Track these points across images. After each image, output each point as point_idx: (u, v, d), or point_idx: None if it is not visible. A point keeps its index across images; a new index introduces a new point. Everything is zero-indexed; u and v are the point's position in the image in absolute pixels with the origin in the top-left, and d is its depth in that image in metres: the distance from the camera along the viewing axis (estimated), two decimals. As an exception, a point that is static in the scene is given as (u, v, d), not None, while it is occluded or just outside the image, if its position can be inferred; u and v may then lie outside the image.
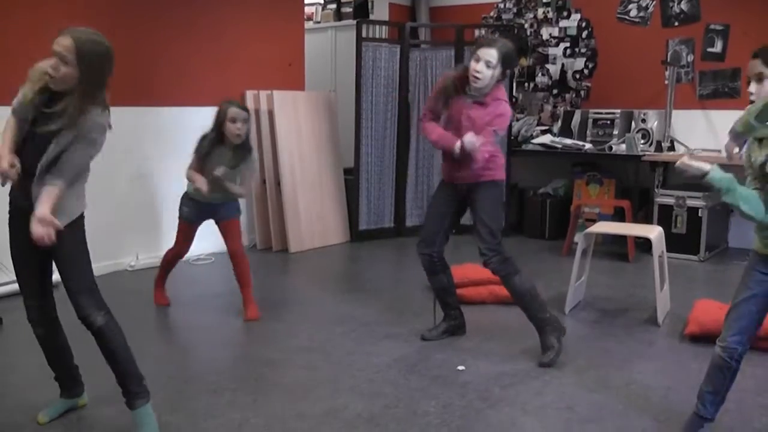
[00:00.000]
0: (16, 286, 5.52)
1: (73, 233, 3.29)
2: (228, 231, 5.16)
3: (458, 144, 4.26)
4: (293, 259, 7.21)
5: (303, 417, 3.62)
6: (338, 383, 4.06)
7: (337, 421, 3.59)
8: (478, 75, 4.27)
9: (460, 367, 4.30)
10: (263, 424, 3.54)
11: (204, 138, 5.02)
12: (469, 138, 4.19)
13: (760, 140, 3.01)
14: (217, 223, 5.18)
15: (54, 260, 3.34)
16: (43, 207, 3.06)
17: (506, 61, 4.31)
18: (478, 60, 4.27)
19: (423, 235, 4.69)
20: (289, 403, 3.79)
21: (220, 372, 4.26)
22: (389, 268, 7.18)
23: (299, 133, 7.62)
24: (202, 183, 4.86)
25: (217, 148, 4.97)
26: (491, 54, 4.26)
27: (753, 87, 3.00)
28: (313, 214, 7.66)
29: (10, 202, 3.36)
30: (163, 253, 6.80)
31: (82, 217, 3.35)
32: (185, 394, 3.88)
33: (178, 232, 5.27)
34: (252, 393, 3.92)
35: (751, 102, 3.04)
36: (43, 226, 3.04)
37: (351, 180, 8.02)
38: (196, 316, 5.31)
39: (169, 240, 6.76)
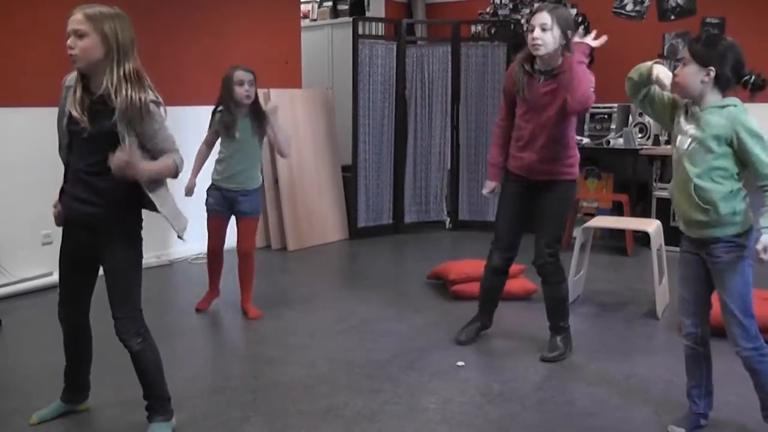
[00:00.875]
0: (15, 288, 5.59)
1: (126, 245, 3.28)
2: (244, 228, 5.17)
3: (485, 189, 4.45)
4: (292, 257, 7.21)
5: (303, 414, 3.63)
6: (338, 380, 4.06)
7: (337, 418, 3.59)
8: (537, 42, 4.04)
9: (460, 363, 4.30)
10: (263, 423, 3.54)
11: (216, 112, 5.05)
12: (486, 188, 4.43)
13: (687, 108, 3.20)
14: (236, 216, 5.16)
15: (104, 273, 3.29)
16: (148, 164, 3.08)
17: (563, 22, 4.07)
18: (532, 29, 4.06)
19: (504, 237, 4.47)
20: (289, 400, 3.80)
21: (220, 370, 4.27)
22: (388, 265, 7.18)
23: (297, 131, 7.62)
24: (191, 187, 4.96)
25: (237, 118, 4.98)
26: (543, 17, 4.04)
27: (678, 70, 3.15)
28: (312, 212, 7.66)
29: (63, 209, 3.30)
30: (166, 251, 6.82)
31: (138, 225, 3.36)
32: (185, 393, 3.88)
33: (208, 226, 5.23)
34: (252, 391, 3.92)
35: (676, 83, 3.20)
36: (126, 164, 2.98)
37: (349, 177, 8.01)
38: (196, 315, 5.31)
39: (172, 239, 6.78)
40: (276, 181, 7.43)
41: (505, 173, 4.46)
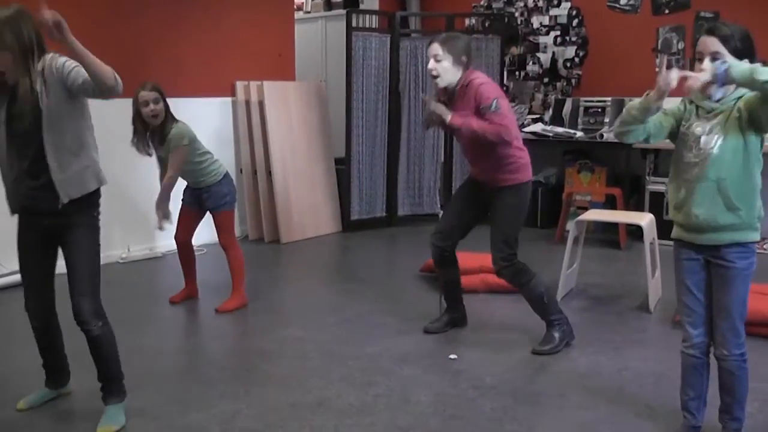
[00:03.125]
0: (8, 280, 5.56)
1: (84, 229, 3.33)
2: (218, 224, 5.18)
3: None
4: (285, 250, 7.20)
5: (296, 407, 3.62)
6: (331, 373, 4.06)
7: (329, 410, 3.59)
8: (433, 73, 4.27)
9: (453, 356, 4.30)
10: (256, 415, 3.54)
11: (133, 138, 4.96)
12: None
13: (698, 107, 3.08)
14: (210, 213, 5.19)
15: (64, 255, 3.35)
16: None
17: (452, 48, 4.24)
18: (428, 62, 4.30)
19: (440, 227, 4.61)
20: (281, 393, 3.79)
21: (213, 363, 4.26)
22: (381, 258, 7.18)
23: (290, 124, 7.60)
24: (162, 219, 4.96)
25: (152, 140, 4.94)
26: (434, 48, 4.26)
27: (707, 65, 2.95)
28: (305, 205, 7.65)
29: (13, 204, 3.38)
30: (155, 245, 6.81)
31: (96, 212, 3.40)
32: (177, 386, 3.88)
33: (178, 217, 5.25)
34: (244, 384, 3.92)
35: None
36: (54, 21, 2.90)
37: (342, 170, 8.00)
38: (188, 307, 5.30)
39: (164, 232, 6.77)
40: (269, 174, 7.42)
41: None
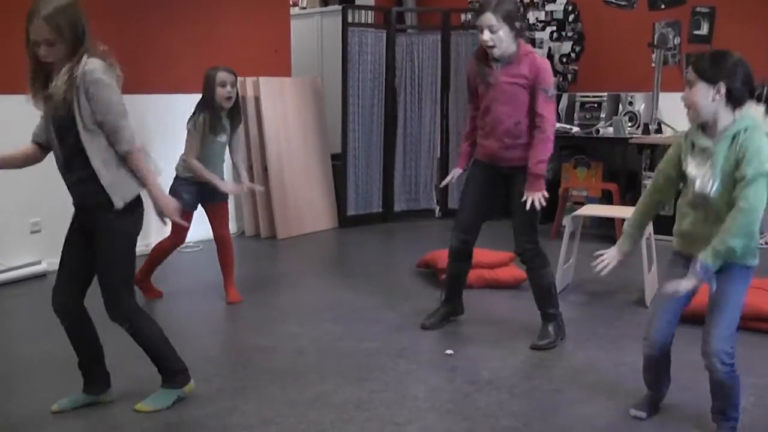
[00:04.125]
0: (4, 276, 5.56)
1: (112, 237, 3.30)
2: (215, 215, 5.17)
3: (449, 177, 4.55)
4: (281, 246, 7.20)
5: (293, 403, 3.62)
6: (327, 369, 4.06)
7: (326, 406, 3.59)
8: (489, 43, 4.10)
9: (449, 351, 4.30)
10: (252, 411, 3.54)
11: (195, 116, 4.96)
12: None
13: (693, 144, 3.10)
14: (206, 205, 5.17)
15: (98, 259, 3.33)
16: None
17: (507, 17, 4.08)
18: (481, 31, 4.11)
19: (462, 220, 4.52)
20: (278, 389, 3.79)
21: (209, 359, 4.26)
22: (378, 254, 7.18)
23: (286, 120, 7.60)
24: (234, 187, 5.16)
25: (219, 120, 4.98)
26: (487, 18, 4.07)
27: (685, 93, 3.05)
28: (301, 200, 7.65)
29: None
30: (150, 241, 6.79)
31: (136, 213, 3.36)
32: (174, 382, 3.88)
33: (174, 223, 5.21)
34: (241, 380, 3.92)
35: (686, 108, 3.09)
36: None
37: (338, 166, 7.99)
38: (185, 304, 5.30)
39: (154, 229, 6.74)
40: (265, 170, 7.41)
41: (472, 160, 4.53)
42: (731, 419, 3.24)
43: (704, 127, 3.07)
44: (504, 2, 4.12)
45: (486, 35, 4.09)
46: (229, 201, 5.30)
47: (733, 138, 2.97)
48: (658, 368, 3.42)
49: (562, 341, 4.45)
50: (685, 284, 3.00)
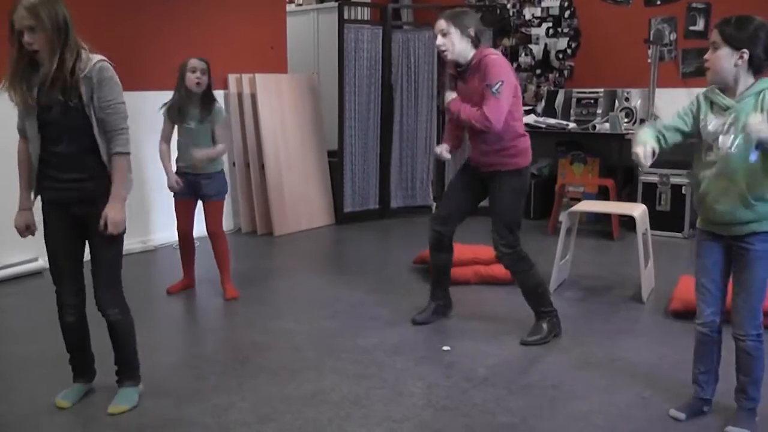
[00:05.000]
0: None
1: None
2: (210, 211, 5.21)
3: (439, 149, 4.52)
4: (278, 242, 7.19)
5: (289, 399, 3.63)
6: (324, 365, 4.06)
7: (323, 403, 3.59)
8: (440, 48, 4.25)
9: (446, 348, 4.31)
10: (249, 408, 3.54)
11: (169, 102, 5.14)
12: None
13: (712, 102, 3.17)
14: (202, 200, 5.21)
15: (90, 247, 3.41)
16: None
17: (459, 22, 4.22)
18: (435, 36, 4.27)
19: (440, 212, 4.62)
20: (275, 385, 3.79)
21: (206, 356, 4.26)
22: (374, 250, 7.17)
23: (282, 116, 7.59)
24: (171, 180, 5.08)
25: (187, 106, 5.06)
26: (440, 24, 4.23)
27: (708, 54, 3.11)
28: (298, 197, 7.64)
29: (42, 197, 3.44)
30: (149, 237, 6.80)
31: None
32: (170, 379, 3.88)
33: (175, 210, 5.31)
34: (238, 377, 3.92)
35: (706, 68, 3.14)
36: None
37: (335, 162, 7.98)
38: (182, 300, 5.30)
39: (153, 224, 6.75)
40: (262, 166, 7.41)
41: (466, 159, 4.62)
42: (752, 399, 3.28)
43: (722, 89, 3.13)
44: (458, 13, 4.30)
45: (439, 40, 4.24)
46: (225, 199, 5.30)
47: (758, 96, 3.03)
48: (711, 356, 3.38)
49: (557, 338, 4.46)
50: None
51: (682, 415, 3.41)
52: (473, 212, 4.59)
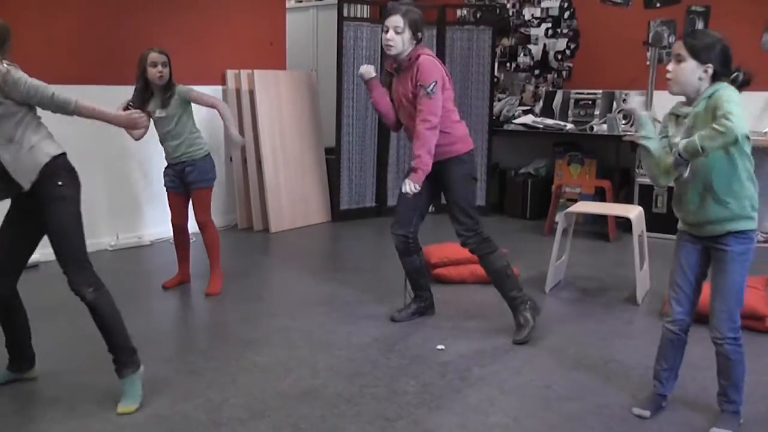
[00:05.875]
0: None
1: (59, 203, 3.35)
2: (196, 200, 5.23)
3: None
4: (274, 239, 7.19)
5: (283, 397, 3.62)
6: (318, 363, 4.06)
7: (316, 400, 3.59)
8: (389, 43, 4.32)
9: (440, 347, 4.31)
10: (243, 404, 3.54)
11: (132, 98, 5.14)
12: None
13: (677, 116, 3.24)
14: (189, 190, 5.22)
15: (47, 233, 3.40)
16: None
17: (413, 25, 4.33)
18: (387, 30, 4.31)
19: (398, 215, 4.65)
20: (268, 383, 3.79)
21: (200, 352, 4.25)
22: (370, 248, 7.17)
23: (280, 113, 7.58)
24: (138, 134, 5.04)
25: (150, 100, 5.10)
26: (397, 20, 4.30)
27: (671, 66, 3.14)
28: (294, 194, 7.64)
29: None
30: (145, 232, 6.80)
31: (76, 188, 3.43)
32: (164, 376, 3.87)
33: (168, 203, 5.33)
34: (231, 373, 3.91)
35: (668, 79, 3.17)
36: None
37: (332, 159, 7.99)
38: (177, 296, 5.29)
39: (151, 219, 6.75)
40: (259, 163, 7.40)
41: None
42: (733, 402, 3.31)
43: (685, 100, 3.20)
44: (413, 11, 4.38)
45: (390, 34, 4.30)
46: (213, 187, 5.31)
47: (708, 99, 3.07)
48: (675, 354, 3.44)
49: (538, 315, 4.52)
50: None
51: (646, 413, 3.46)
52: (430, 207, 4.70)
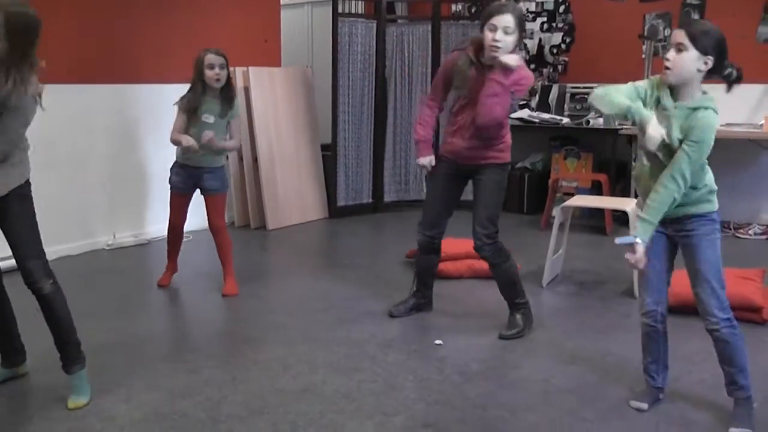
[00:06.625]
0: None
1: (21, 200, 3.36)
2: (212, 206, 5.17)
3: (422, 162, 4.49)
4: (271, 236, 7.19)
5: (281, 393, 3.63)
6: (316, 359, 4.07)
7: (315, 397, 3.60)
8: (498, 44, 4.02)
9: (438, 342, 4.31)
10: (241, 402, 3.54)
11: (185, 95, 5.04)
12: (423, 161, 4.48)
13: (658, 100, 3.21)
14: (203, 194, 5.17)
15: (2, 230, 3.39)
16: None
17: (522, 26, 4.11)
18: (494, 29, 4.01)
19: (428, 216, 4.56)
20: (267, 380, 3.80)
21: (198, 350, 4.25)
22: (367, 244, 7.18)
23: (276, 110, 7.58)
24: (188, 140, 4.91)
25: (204, 101, 5.01)
26: (508, 20, 4.01)
27: (671, 55, 3.09)
28: (291, 191, 7.64)
29: None
30: (142, 231, 6.80)
31: (28, 184, 3.41)
32: (163, 373, 3.87)
33: (170, 203, 5.26)
34: (230, 371, 3.92)
35: (667, 68, 3.11)
36: None
37: (328, 156, 7.98)
38: (174, 294, 5.30)
39: (149, 217, 6.75)
40: (255, 160, 7.40)
41: (437, 155, 4.53)
42: (742, 388, 3.30)
43: (672, 87, 3.16)
44: (520, 9, 4.17)
45: (499, 35, 4.02)
46: (227, 193, 5.28)
47: (692, 111, 3.07)
48: (657, 345, 3.44)
49: (530, 329, 4.48)
50: (637, 257, 3.18)
51: (644, 405, 3.46)
52: (458, 206, 4.60)
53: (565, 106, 8.08)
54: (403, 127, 8.28)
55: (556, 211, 5.57)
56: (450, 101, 4.52)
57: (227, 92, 5.07)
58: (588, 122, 7.69)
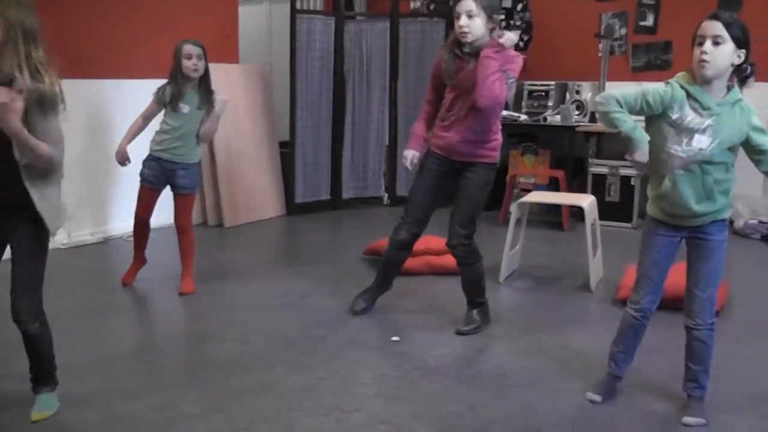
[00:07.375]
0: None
1: (39, 236, 3.25)
2: (181, 204, 5.10)
3: (405, 155, 4.42)
4: (228, 234, 7.14)
5: (238, 391, 3.60)
6: (274, 356, 4.04)
7: (272, 394, 3.58)
8: (465, 29, 4.04)
9: (395, 338, 4.31)
10: (198, 400, 3.51)
11: (163, 86, 4.98)
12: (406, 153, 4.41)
13: (694, 99, 3.12)
14: (174, 191, 5.10)
15: (12, 254, 3.26)
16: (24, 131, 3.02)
17: (487, 7, 4.06)
18: (458, 16, 4.04)
19: (415, 213, 4.47)
20: (224, 378, 3.76)
21: (155, 349, 4.22)
22: (326, 241, 7.16)
23: (234, 106, 7.50)
24: (122, 150, 4.93)
25: (182, 91, 4.94)
26: (468, 4, 4.02)
27: (709, 48, 2.97)
28: (249, 188, 7.58)
29: None
30: (101, 228, 6.70)
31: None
32: (119, 374, 3.82)
33: (139, 196, 5.15)
34: (186, 370, 3.89)
35: (705, 61, 2.99)
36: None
37: (286, 153, 7.94)
38: (131, 293, 5.22)
39: (108, 216, 6.65)
40: (212, 157, 7.34)
41: (426, 150, 4.47)
42: (702, 388, 3.35)
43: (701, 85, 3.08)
44: None
45: (463, 20, 4.03)
46: (196, 192, 5.23)
47: (732, 106, 3.06)
48: (635, 338, 3.46)
49: (487, 326, 4.49)
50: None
51: (598, 398, 3.50)
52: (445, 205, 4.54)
53: (523, 103, 8.12)
54: (362, 124, 8.27)
55: (513, 207, 5.59)
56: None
57: (205, 83, 5.02)
58: (545, 119, 7.75)
